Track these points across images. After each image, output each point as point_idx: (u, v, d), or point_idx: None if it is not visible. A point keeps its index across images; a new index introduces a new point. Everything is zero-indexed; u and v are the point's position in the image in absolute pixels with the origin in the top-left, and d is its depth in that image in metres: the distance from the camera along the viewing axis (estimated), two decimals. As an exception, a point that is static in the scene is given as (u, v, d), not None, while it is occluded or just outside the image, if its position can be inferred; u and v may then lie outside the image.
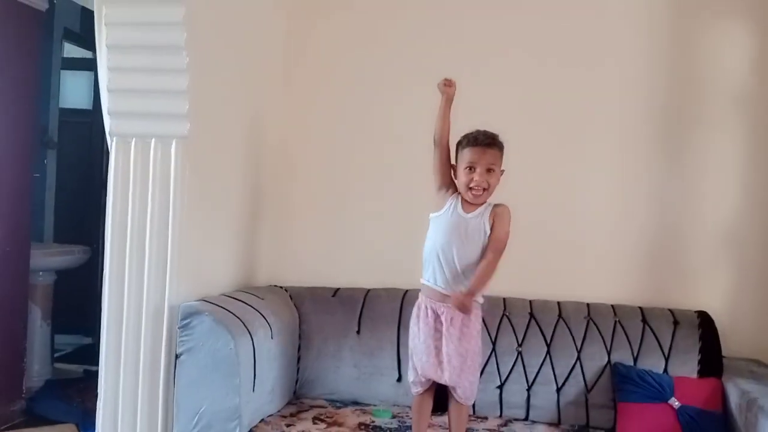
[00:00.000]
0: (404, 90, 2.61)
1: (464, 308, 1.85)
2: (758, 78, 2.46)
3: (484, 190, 1.88)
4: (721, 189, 2.49)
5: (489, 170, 1.88)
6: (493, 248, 1.89)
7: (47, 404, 3.22)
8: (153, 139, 2.08)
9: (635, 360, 2.27)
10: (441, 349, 1.90)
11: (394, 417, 2.25)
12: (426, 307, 1.94)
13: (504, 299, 2.44)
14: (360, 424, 2.17)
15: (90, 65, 4.00)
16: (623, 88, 2.55)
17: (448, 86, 1.92)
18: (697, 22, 2.52)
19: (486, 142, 1.89)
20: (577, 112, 2.57)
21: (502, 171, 1.92)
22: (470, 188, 1.88)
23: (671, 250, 2.53)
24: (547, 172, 2.57)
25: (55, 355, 3.85)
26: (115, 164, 2.11)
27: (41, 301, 3.54)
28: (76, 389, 3.40)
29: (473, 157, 1.88)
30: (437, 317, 1.91)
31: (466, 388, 1.90)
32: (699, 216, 2.51)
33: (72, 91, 4.42)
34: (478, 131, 1.92)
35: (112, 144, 2.12)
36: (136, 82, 2.11)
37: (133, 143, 2.09)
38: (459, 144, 1.94)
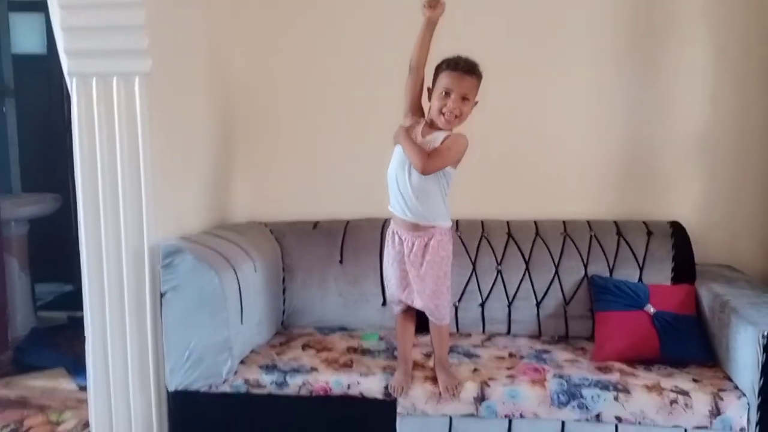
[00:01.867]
0: (380, 14, 2.53)
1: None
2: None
3: (456, 117, 1.86)
4: (692, 99, 2.51)
5: (464, 98, 1.85)
6: (434, 154, 1.84)
7: (35, 353, 3.23)
8: (115, 77, 2.01)
9: (611, 271, 2.34)
10: (407, 273, 1.94)
11: (381, 339, 2.31)
12: (393, 233, 1.97)
13: (482, 222, 2.47)
14: (349, 348, 2.22)
15: (40, 6, 3.81)
16: (587, 5, 2.51)
17: (431, 8, 1.80)
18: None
19: (465, 68, 1.85)
20: (546, 28, 2.53)
21: (476, 102, 1.90)
22: (442, 113, 1.86)
23: (644, 162, 2.56)
24: (518, 90, 2.54)
25: (38, 304, 3.84)
26: (77, 106, 2.04)
27: (17, 252, 3.50)
28: (63, 336, 3.42)
29: (450, 83, 1.85)
30: (402, 242, 1.93)
31: (434, 310, 1.95)
32: (671, 127, 2.53)
33: (23, 36, 4.22)
34: (459, 57, 1.87)
35: (72, 85, 2.04)
36: (91, 18, 2.00)
37: (94, 82, 2.02)
38: (438, 67, 1.90)
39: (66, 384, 2.93)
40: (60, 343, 3.33)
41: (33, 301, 3.69)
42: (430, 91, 1.91)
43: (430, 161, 1.84)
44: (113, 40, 2.00)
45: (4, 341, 3.19)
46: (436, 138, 1.89)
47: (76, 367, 2.92)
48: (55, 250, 3.89)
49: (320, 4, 2.63)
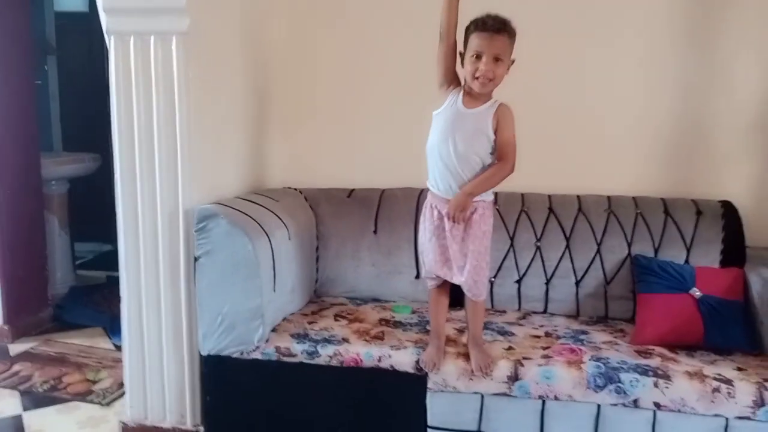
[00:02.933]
0: None
1: (460, 208, 1.81)
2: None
3: (490, 80, 1.77)
4: (749, 73, 2.36)
5: (496, 59, 1.76)
6: (506, 154, 1.82)
7: (74, 311, 3.31)
8: (152, 36, 1.98)
9: (656, 251, 2.25)
10: (446, 248, 1.88)
11: (413, 312, 2.27)
12: (432, 207, 1.91)
13: (522, 195, 2.40)
14: (381, 320, 2.19)
15: (82, -37, 3.81)
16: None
17: None
18: None
19: (495, 27, 1.76)
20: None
21: (513, 61, 1.80)
22: (475, 78, 1.77)
23: (696, 138, 2.43)
24: (564, 58, 2.43)
25: (77, 262, 3.93)
26: (115, 64, 2.02)
27: (57, 211, 3.56)
28: (101, 295, 3.50)
29: (480, 45, 1.75)
30: (442, 217, 1.87)
31: (472, 286, 1.90)
32: (725, 102, 2.39)
33: (66, -7, 4.23)
34: (487, 15, 1.78)
35: (110, 43, 2.02)
36: (131, -25, 1.98)
37: (132, 41, 1.99)
38: (467, 29, 1.81)
39: (103, 343, 3.01)
40: (98, 302, 3.41)
41: (73, 259, 3.76)
42: (462, 56, 1.83)
43: (510, 161, 1.82)
44: (152, -3, 1.97)
45: (44, 298, 3.27)
46: (481, 113, 1.82)
47: (114, 327, 2.98)
48: (94, 209, 3.93)
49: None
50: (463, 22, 1.83)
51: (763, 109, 2.37)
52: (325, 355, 1.96)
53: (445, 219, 1.86)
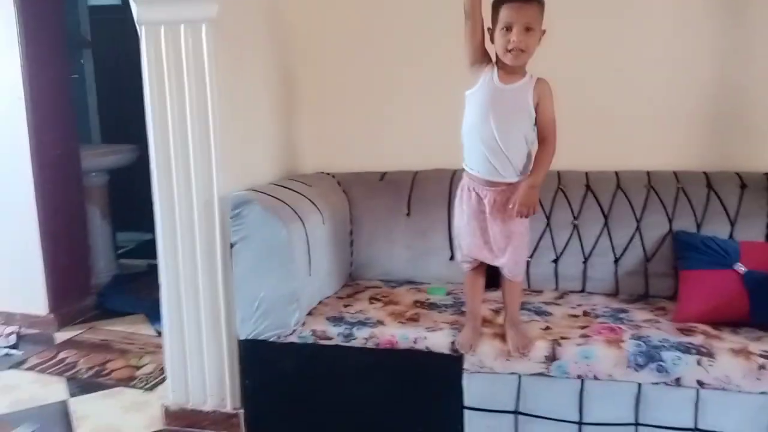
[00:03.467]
0: None
1: (530, 203, 1.77)
2: None
3: (522, 51, 1.71)
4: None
5: (527, 29, 1.70)
6: (550, 134, 1.79)
7: (116, 299, 3.39)
8: (182, 25, 1.99)
9: (698, 227, 2.19)
10: (486, 230, 1.85)
11: (448, 294, 2.26)
12: (469, 189, 1.86)
13: (558, 172, 2.34)
14: (416, 302, 2.19)
15: (113, -44, 3.85)
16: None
17: None
18: None
19: None
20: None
21: (544, 31, 1.75)
22: (508, 50, 1.72)
23: (736, 108, 2.33)
24: (597, 31, 2.36)
25: (119, 251, 4.02)
26: (147, 55, 2.05)
27: (98, 201, 3.64)
28: (143, 282, 3.58)
29: (510, 16, 1.70)
30: (480, 199, 1.84)
31: (513, 267, 1.87)
32: (765, 67, 2.29)
33: (99, -13, 4.29)
34: None
35: (141, 33, 2.05)
36: (159, -35, 1.99)
37: (162, 30, 2.01)
38: (494, 3, 1.75)
39: (145, 329, 3.08)
40: (140, 289, 3.49)
41: (114, 248, 3.85)
42: (491, 32, 1.78)
43: (554, 140, 1.79)
44: (180, -14, 1.98)
45: (87, 287, 3.36)
46: (520, 88, 1.77)
47: (155, 314, 3.04)
48: (134, 199, 4.00)
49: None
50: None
51: (809, 75, 2.27)
52: (361, 337, 1.97)
53: (485, 201, 1.83)
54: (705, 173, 2.28)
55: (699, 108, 2.36)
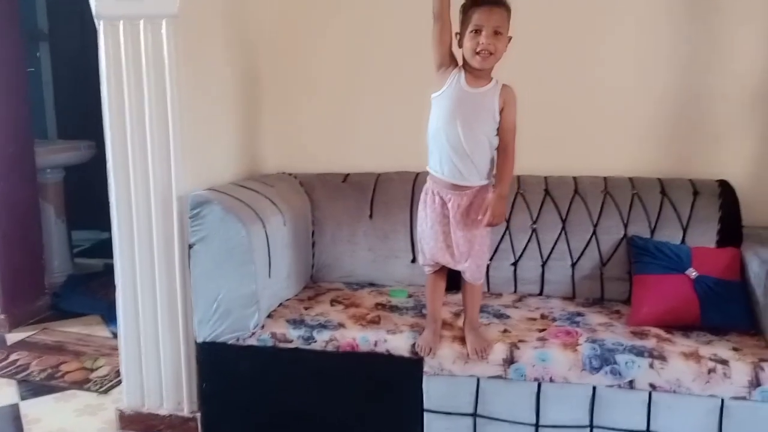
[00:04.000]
0: None
1: (502, 215, 1.82)
2: None
3: (491, 54, 1.74)
4: (750, 50, 2.32)
5: (496, 33, 1.73)
6: (511, 141, 1.83)
7: (71, 299, 3.31)
8: (142, 21, 1.96)
9: (652, 232, 2.24)
10: (449, 235, 1.86)
11: (410, 296, 2.27)
12: (433, 193, 1.88)
13: (518, 177, 2.37)
14: (377, 304, 2.19)
15: (71, -53, 3.76)
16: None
17: None
18: None
19: (493, 0, 1.73)
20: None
21: (509, 38, 1.78)
22: (477, 53, 1.74)
23: (693, 116, 2.40)
24: (557, 34, 2.40)
25: (75, 250, 3.92)
26: (105, 50, 2.01)
27: (53, 199, 3.55)
28: (99, 283, 3.49)
29: (479, 19, 1.73)
30: (444, 203, 1.86)
31: (474, 270, 1.89)
32: (723, 79, 2.35)
33: (57, -22, 4.17)
34: None
35: (99, 28, 2.00)
36: (118, -43, 1.95)
37: (121, 25, 1.97)
38: (463, 6, 1.78)
39: (101, 331, 3.01)
40: (96, 289, 3.41)
41: (70, 247, 3.76)
42: (459, 36, 1.80)
43: (514, 146, 1.84)
44: (140, -19, 1.94)
45: (41, 287, 3.27)
46: (487, 92, 1.80)
47: (111, 315, 2.98)
48: (91, 197, 3.91)
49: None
50: (456, 2, 1.81)
51: (761, 86, 2.34)
52: (321, 340, 1.96)
53: (449, 205, 1.85)
54: (659, 179, 2.33)
55: (655, 115, 2.42)
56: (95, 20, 2.02)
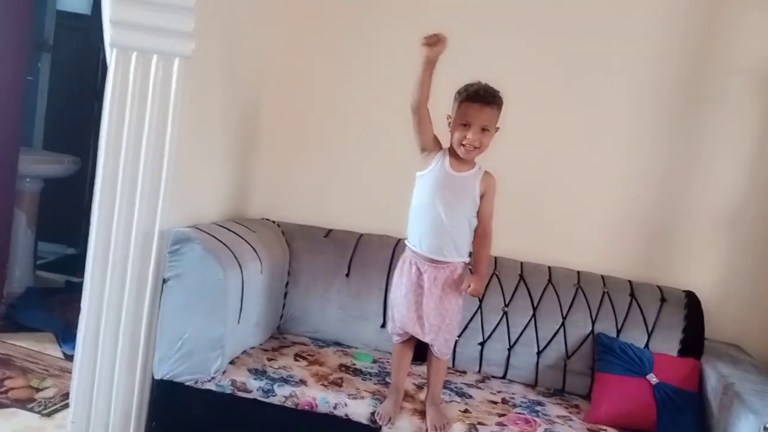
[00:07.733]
0: (403, 32, 2.49)
1: (480, 293, 1.90)
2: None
3: (476, 148, 1.82)
4: (727, 170, 2.46)
5: (483, 130, 1.81)
6: (488, 226, 1.91)
7: (27, 312, 3.20)
8: (155, 56, 1.99)
9: (618, 332, 2.29)
10: (421, 305, 1.89)
11: (375, 362, 2.26)
12: (411, 262, 1.91)
13: (495, 258, 2.43)
14: (341, 365, 2.18)
15: (93, -32, 3.83)
16: (633, 57, 2.48)
17: (430, 45, 1.70)
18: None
19: (486, 100, 1.80)
20: (582, 75, 2.51)
21: (497, 128, 1.86)
22: (462, 145, 1.82)
23: (667, 226, 2.51)
24: (548, 134, 2.53)
25: (38, 262, 3.82)
26: (113, 77, 2.01)
27: (27, 208, 3.48)
28: (58, 299, 3.40)
29: (469, 115, 1.80)
30: (420, 274, 1.89)
31: (442, 344, 1.92)
32: (699, 195, 2.48)
33: (71, -6, 4.23)
34: (479, 85, 1.83)
35: (111, 55, 2.03)
36: (143, -9, 2.00)
37: (134, 57, 2.00)
38: (458, 94, 1.85)
39: (52, 350, 2.90)
40: (53, 306, 3.31)
41: (34, 258, 3.67)
42: (450, 119, 1.87)
43: (491, 232, 1.92)
44: (161, 17, 1.98)
45: (-2, 295, 3.17)
46: (469, 177, 1.87)
47: (66, 334, 2.90)
48: (64, 211, 3.88)
49: (348, 14, 2.64)
50: (449, 85, 1.85)
51: (734, 207, 2.46)
52: (281, 395, 1.94)
53: (425, 276, 1.88)
54: (630, 282, 2.40)
55: (632, 220, 2.53)
56: (107, 48, 2.04)
